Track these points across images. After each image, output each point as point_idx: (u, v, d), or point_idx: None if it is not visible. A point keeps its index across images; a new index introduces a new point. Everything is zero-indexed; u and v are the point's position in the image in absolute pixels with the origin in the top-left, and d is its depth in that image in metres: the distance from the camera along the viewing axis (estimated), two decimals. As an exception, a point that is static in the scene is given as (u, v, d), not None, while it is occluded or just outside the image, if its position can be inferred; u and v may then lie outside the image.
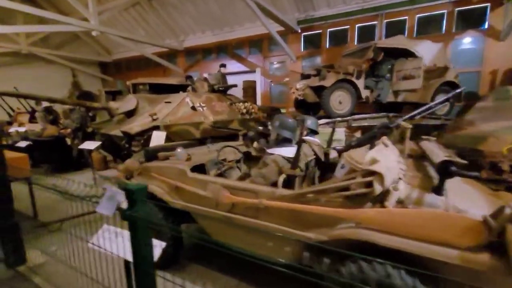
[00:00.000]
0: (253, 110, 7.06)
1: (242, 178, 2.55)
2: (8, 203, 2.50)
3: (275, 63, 9.58)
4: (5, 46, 11.03)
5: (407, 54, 5.15)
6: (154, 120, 5.09)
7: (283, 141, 2.14)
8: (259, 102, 9.81)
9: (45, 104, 6.85)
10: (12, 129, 8.14)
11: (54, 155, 5.93)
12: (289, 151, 2.03)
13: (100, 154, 6.34)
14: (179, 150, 2.49)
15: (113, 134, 5.20)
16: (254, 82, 9.74)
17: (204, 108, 5.97)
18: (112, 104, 5.81)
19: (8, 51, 11.33)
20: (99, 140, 5.93)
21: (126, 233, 1.34)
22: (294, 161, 1.87)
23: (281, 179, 1.81)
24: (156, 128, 4.97)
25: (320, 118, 5.33)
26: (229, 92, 7.32)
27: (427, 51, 5.09)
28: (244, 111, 6.80)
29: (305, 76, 5.52)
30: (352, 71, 4.95)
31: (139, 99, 5.93)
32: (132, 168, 2.62)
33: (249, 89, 9.71)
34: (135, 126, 4.92)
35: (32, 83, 11.37)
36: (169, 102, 5.76)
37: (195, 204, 2.15)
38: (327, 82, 4.76)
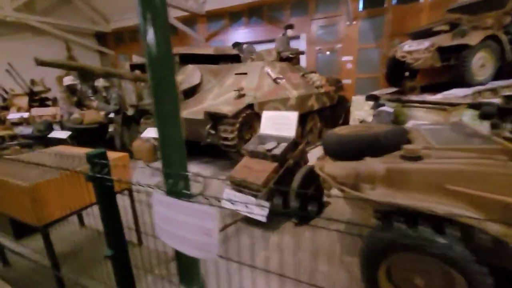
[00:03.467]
0: (323, 83, 5.94)
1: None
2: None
3: (324, 26, 8.23)
4: (-17, 11, 8.87)
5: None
6: (241, 96, 3.90)
7: None
8: (303, 73, 8.58)
9: (68, 82, 5.33)
10: (12, 115, 6.61)
11: (99, 145, 4.65)
12: None
13: (148, 142, 5.11)
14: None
15: (188, 117, 3.98)
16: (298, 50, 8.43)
17: (283, 81, 4.80)
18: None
19: (-12, 18, 9.17)
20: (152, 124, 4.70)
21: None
22: None
23: None
24: (250, 106, 3.80)
25: (443, 86, 4.32)
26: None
27: None
28: (318, 83, 5.67)
29: (420, 35, 4.41)
30: (491, 26, 3.92)
31: (202, 72, 4.67)
32: (373, 174, 1.57)
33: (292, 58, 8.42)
34: (222, 105, 3.72)
35: (21, 58, 9.22)
36: (244, 74, 4.54)
37: None
38: (472, 40, 3.70)
